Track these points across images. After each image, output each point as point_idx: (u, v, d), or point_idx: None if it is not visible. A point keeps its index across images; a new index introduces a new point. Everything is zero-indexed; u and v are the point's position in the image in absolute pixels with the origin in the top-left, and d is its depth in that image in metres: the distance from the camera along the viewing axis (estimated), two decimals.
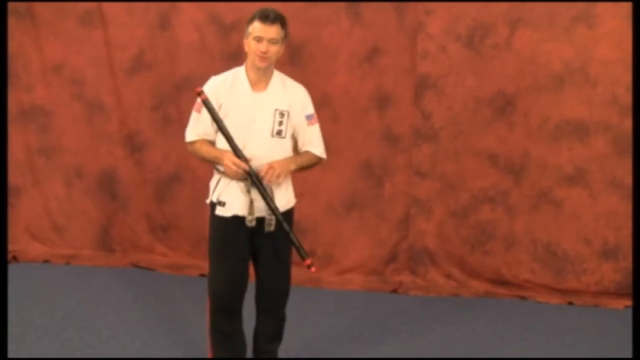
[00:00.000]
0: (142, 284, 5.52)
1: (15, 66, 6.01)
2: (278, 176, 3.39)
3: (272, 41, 3.40)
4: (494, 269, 5.52)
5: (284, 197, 3.58)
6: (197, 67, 5.71)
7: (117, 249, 6.19)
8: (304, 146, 3.62)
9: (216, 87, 3.53)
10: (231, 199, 3.51)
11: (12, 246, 6.10)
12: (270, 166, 3.38)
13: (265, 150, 3.46)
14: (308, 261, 3.47)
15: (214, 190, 3.61)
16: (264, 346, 3.83)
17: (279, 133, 3.50)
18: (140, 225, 6.16)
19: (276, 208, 3.45)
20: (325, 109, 5.58)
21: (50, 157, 6.18)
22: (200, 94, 3.42)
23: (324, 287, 5.51)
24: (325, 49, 5.52)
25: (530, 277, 5.45)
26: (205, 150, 3.56)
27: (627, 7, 4.94)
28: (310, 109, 3.63)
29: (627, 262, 5.21)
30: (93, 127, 6.05)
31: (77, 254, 6.15)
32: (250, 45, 3.43)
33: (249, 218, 3.47)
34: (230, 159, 3.38)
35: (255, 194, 3.46)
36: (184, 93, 5.74)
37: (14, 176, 6.17)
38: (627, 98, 5.05)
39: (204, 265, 5.78)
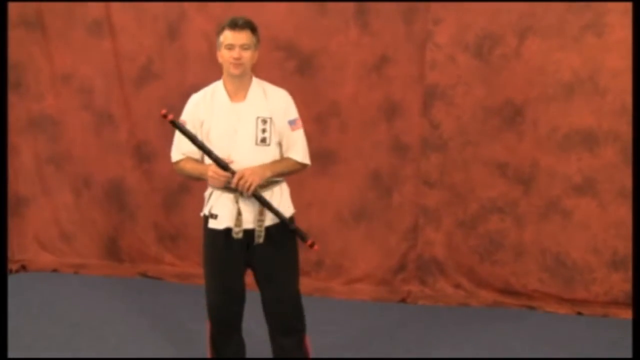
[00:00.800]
0: (150, 294, 5.53)
1: (25, 76, 6.04)
2: (250, 186, 3.33)
3: (243, 47, 3.41)
4: (502, 279, 5.50)
5: (278, 208, 3.53)
6: (205, 77, 5.63)
7: (125, 259, 6.20)
8: (286, 152, 3.57)
9: (197, 103, 3.56)
10: (223, 211, 3.49)
11: (21, 255, 6.14)
12: (241, 176, 3.33)
13: (250, 159, 3.42)
14: (309, 241, 3.51)
15: (206, 203, 3.59)
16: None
17: (264, 141, 3.47)
18: (148, 235, 6.16)
19: (268, 204, 3.45)
20: (333, 119, 5.59)
21: (59, 166, 6.20)
22: (165, 115, 3.36)
23: (333, 297, 5.50)
24: (333, 59, 5.52)
25: (539, 287, 5.42)
26: (191, 168, 3.56)
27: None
28: (293, 114, 3.58)
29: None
30: (102, 136, 6.07)
31: (85, 263, 6.16)
32: (223, 54, 3.45)
33: (235, 230, 3.44)
34: (212, 170, 3.37)
35: (243, 205, 3.45)
36: None
37: (23, 185, 6.20)
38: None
39: None
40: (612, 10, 4.99)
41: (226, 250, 3.53)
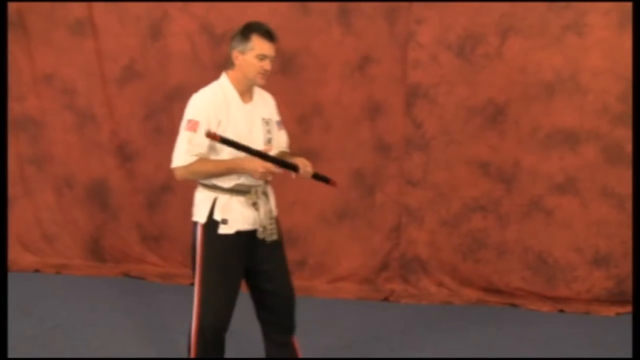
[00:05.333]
0: (133, 294, 5.51)
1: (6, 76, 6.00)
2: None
3: (272, 59, 3.42)
4: (485, 277, 5.53)
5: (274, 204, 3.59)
6: (188, 77, 5.71)
7: (108, 259, 6.18)
8: (280, 149, 3.63)
9: (213, 104, 3.38)
10: (234, 215, 3.43)
11: None
12: (305, 163, 3.46)
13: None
14: (332, 182, 3.71)
15: (210, 210, 3.44)
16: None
17: (269, 141, 3.49)
18: (131, 235, 6.15)
19: (294, 166, 3.46)
20: (316, 119, 5.60)
21: (41, 167, 6.17)
22: (214, 136, 3.23)
23: (316, 296, 5.50)
24: (316, 59, 5.53)
25: (522, 285, 5.45)
26: (212, 166, 3.39)
27: (617, 17, 4.98)
28: (278, 115, 3.66)
29: (619, 270, 5.22)
30: (84, 136, 6.05)
31: (67, 263, 6.14)
32: (250, 61, 3.38)
33: (260, 230, 3.45)
34: (263, 167, 3.31)
35: (261, 204, 3.45)
36: (175, 103, 5.74)
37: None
38: (617, 107, 5.07)
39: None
40: (593, 10, 5.04)
41: (237, 254, 3.48)
